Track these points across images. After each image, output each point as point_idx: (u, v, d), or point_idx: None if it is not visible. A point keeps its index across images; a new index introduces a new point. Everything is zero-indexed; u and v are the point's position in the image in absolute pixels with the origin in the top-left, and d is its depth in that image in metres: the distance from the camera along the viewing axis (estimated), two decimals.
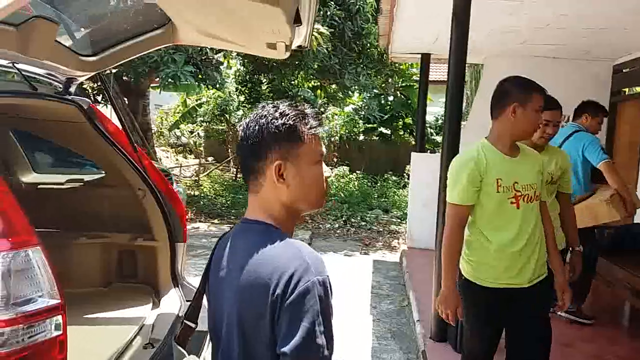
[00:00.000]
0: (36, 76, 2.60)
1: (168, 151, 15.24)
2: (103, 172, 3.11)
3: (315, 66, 9.06)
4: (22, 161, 3.12)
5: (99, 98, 11.43)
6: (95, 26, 2.83)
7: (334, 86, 10.53)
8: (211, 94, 13.70)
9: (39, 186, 3.11)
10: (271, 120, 1.23)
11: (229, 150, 13.35)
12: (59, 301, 1.61)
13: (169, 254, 3.03)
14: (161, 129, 15.64)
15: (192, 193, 10.73)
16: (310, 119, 1.25)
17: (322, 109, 14.59)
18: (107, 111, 10.70)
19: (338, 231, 8.85)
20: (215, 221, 8.81)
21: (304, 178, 1.24)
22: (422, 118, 7.22)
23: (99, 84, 11.20)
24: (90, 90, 11.60)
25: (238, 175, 12.61)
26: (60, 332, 1.61)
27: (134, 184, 2.94)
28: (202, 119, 13.23)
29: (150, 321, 2.71)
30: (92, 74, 2.82)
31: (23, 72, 2.32)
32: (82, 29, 2.86)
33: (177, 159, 14.25)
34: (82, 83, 10.28)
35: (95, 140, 2.83)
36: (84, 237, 3.04)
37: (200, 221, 8.75)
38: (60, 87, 2.70)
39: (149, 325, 2.68)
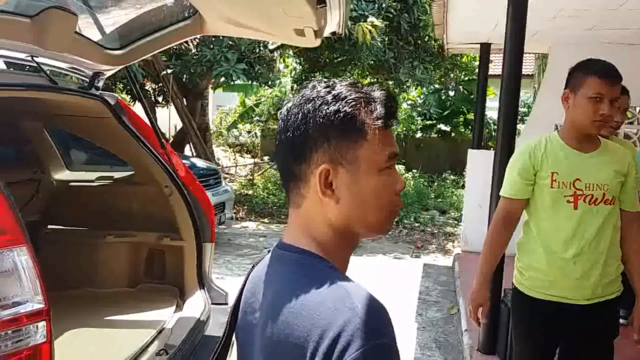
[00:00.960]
0: (61, 70, 2.57)
1: (227, 150, 15.45)
2: (132, 169, 3.05)
3: (370, 61, 8.82)
4: (55, 158, 3.13)
5: (160, 99, 11.76)
6: (122, 19, 2.77)
7: (390, 82, 10.23)
8: (268, 93, 13.77)
9: (70, 184, 3.11)
10: (320, 105, 0.89)
11: None
12: (44, 306, 1.51)
13: (196, 255, 2.93)
14: (220, 128, 15.89)
15: (245, 192, 10.78)
16: (378, 105, 0.91)
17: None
18: (167, 112, 10.96)
19: (390, 232, 8.57)
20: (265, 220, 8.77)
21: (362, 191, 0.90)
22: (481, 112, 6.89)
23: (160, 84, 11.53)
24: (151, 91, 11.95)
25: None
26: (45, 339, 1.51)
27: (161, 181, 2.86)
28: (258, 118, 13.30)
29: (170, 325, 2.62)
30: (119, 67, 2.76)
31: (41, 65, 2.27)
32: (111, 23, 2.81)
33: (234, 159, 14.43)
34: (142, 83, 10.56)
35: (121, 136, 2.77)
36: (112, 236, 3.00)
37: (250, 220, 8.74)
38: (86, 82, 2.65)
39: (168, 329, 2.59)
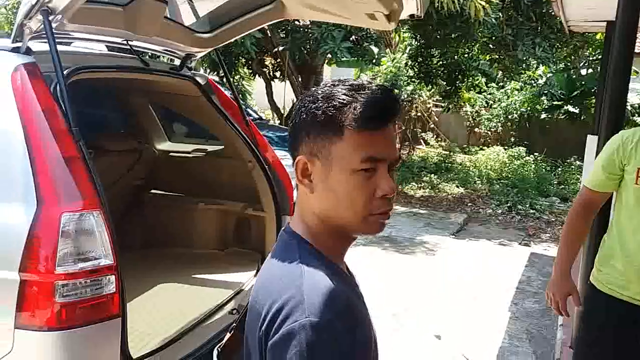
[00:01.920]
0: (158, 53, 2.83)
1: None
2: (222, 144, 3.29)
3: (484, 38, 8.37)
4: (158, 130, 3.46)
5: (277, 74, 12.22)
6: (213, 4, 2.96)
7: (507, 61, 9.63)
8: (383, 69, 13.64)
9: (170, 154, 3.43)
10: (311, 102, 0.96)
11: (396, 127, 13.21)
12: (113, 262, 1.74)
13: (276, 225, 3.11)
14: None
15: None
16: (361, 106, 0.93)
17: (499, 84, 13.58)
18: (284, 86, 11.38)
19: (500, 217, 8.19)
20: None
21: (333, 187, 0.95)
22: (602, 94, 6.23)
23: (278, 60, 11.98)
24: (270, 67, 12.46)
25: (401, 152, 12.44)
26: (114, 290, 1.74)
27: (245, 156, 3.05)
28: None
29: (247, 287, 2.83)
30: (209, 49, 2.97)
31: (135, 49, 2.54)
32: (204, 8, 3.01)
33: None
34: (261, 60, 10.98)
35: (211, 114, 2.99)
36: (203, 203, 3.28)
37: None
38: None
39: (245, 291, 2.80)
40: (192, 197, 3.32)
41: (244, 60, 12.06)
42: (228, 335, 1.18)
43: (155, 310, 2.47)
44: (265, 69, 12.24)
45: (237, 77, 12.49)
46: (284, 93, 11.39)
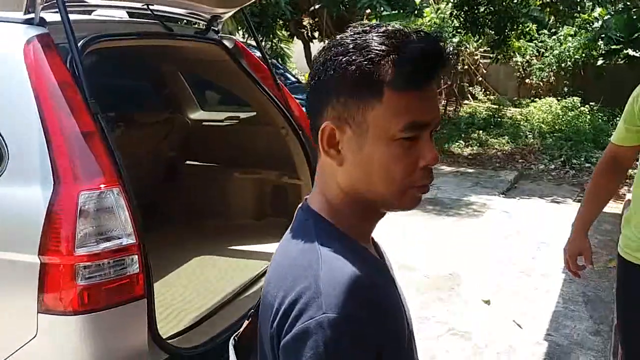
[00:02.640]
0: (181, 17, 2.70)
1: None
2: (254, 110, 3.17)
3: None
4: (190, 99, 3.37)
5: (316, 34, 11.90)
6: None
7: (560, 3, 8.96)
8: (427, 21, 13.07)
9: (203, 123, 3.34)
10: (339, 53, 0.78)
11: (442, 81, 12.71)
12: (135, 242, 1.67)
13: None
14: None
15: None
16: (408, 61, 0.75)
17: (551, 30, 12.77)
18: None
19: (553, 173, 7.79)
20: None
21: (368, 159, 0.80)
22: None
23: (316, 19, 11.64)
24: (308, 27, 12.14)
25: (447, 108, 12.01)
26: (138, 270, 1.68)
27: (278, 122, 2.92)
28: None
29: None
30: (235, 10, 2.81)
31: (157, 13, 2.41)
32: None
33: None
34: (298, 20, 10.74)
35: (241, 79, 2.86)
36: (238, 172, 3.19)
37: None
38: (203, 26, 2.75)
39: None
40: (227, 167, 3.24)
41: (281, 21, 11.80)
42: (246, 322, 1.04)
43: (190, 285, 2.43)
44: (303, 30, 11.94)
45: (275, 39, 12.26)
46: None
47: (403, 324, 0.85)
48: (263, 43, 12.39)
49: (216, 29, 2.83)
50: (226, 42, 2.82)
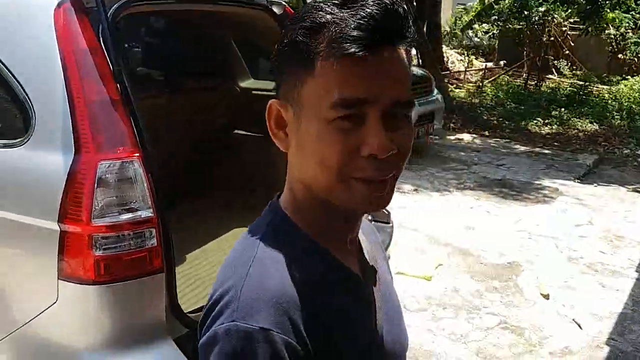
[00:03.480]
0: None
1: (463, 53, 14.55)
2: None
3: None
4: (240, 66, 3.28)
5: None
6: None
7: None
8: None
9: (252, 91, 3.26)
10: (291, 22, 0.71)
11: (524, 53, 11.93)
12: (153, 215, 1.63)
13: None
14: (455, 29, 14.92)
15: (471, 100, 10.11)
16: (346, 25, 0.65)
17: None
18: None
19: (639, 159, 7.13)
20: (485, 133, 8.11)
21: (304, 142, 0.70)
22: None
23: None
24: None
25: (529, 83, 11.28)
26: (155, 244, 1.64)
27: None
28: (496, 17, 12.01)
29: None
30: None
31: None
32: None
33: (470, 62, 13.52)
34: None
35: None
36: None
37: (467, 131, 8.18)
38: None
39: None
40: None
41: None
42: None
43: (219, 259, 2.38)
44: None
45: None
46: None
47: (353, 343, 0.74)
48: None
49: None
50: (274, 8, 2.69)
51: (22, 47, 1.76)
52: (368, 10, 0.65)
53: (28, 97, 1.68)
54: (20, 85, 1.69)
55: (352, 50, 0.64)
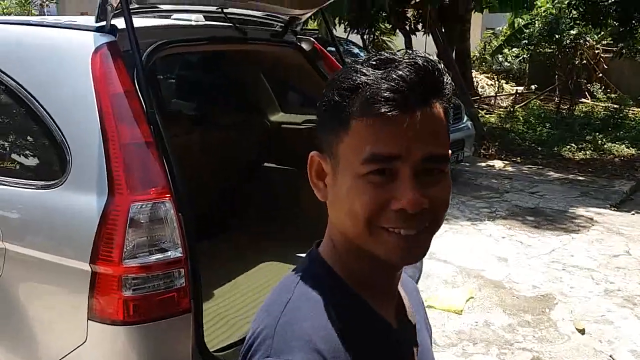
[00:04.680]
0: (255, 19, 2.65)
1: (493, 78, 14.44)
2: None
3: None
4: (271, 101, 3.34)
5: (420, 26, 11.53)
6: None
7: None
8: (542, 11, 12.16)
9: (282, 125, 3.30)
10: (331, 79, 0.76)
11: (556, 77, 11.76)
12: (182, 255, 1.65)
13: None
14: (484, 54, 14.84)
15: (502, 125, 9.99)
16: (379, 88, 0.69)
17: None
18: (424, 40, 10.70)
19: None
20: (517, 160, 7.97)
21: (339, 194, 0.74)
22: None
23: (420, 11, 11.27)
24: (412, 20, 11.79)
25: (561, 107, 11.10)
26: (184, 284, 1.66)
27: None
28: (526, 41, 11.91)
29: None
30: (313, 11, 2.72)
31: (230, 16, 2.38)
32: None
33: (500, 87, 13.41)
34: (401, 12, 10.48)
35: (317, 82, 2.77)
36: None
37: (499, 158, 8.06)
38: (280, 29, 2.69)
39: None
40: (303, 171, 3.17)
41: (384, 14, 11.56)
42: None
43: (248, 296, 2.39)
44: (406, 22, 11.62)
45: (377, 32, 12.05)
46: (425, 47, 10.71)
47: None
48: (365, 36, 12.28)
49: (295, 30, 2.76)
50: (304, 45, 2.74)
51: (60, 91, 1.83)
52: (399, 72, 0.69)
53: (65, 140, 1.74)
54: (58, 128, 1.76)
55: (383, 110, 0.68)
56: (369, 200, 0.70)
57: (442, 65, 0.74)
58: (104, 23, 1.89)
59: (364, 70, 0.71)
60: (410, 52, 0.74)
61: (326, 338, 0.70)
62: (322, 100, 0.76)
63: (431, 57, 0.74)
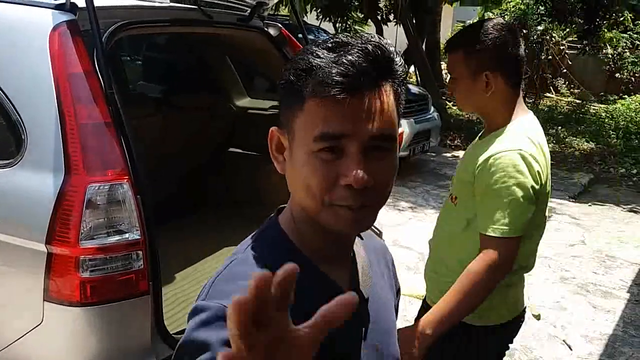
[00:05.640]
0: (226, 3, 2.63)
1: None
2: None
3: None
4: (237, 86, 3.32)
5: (392, 17, 11.59)
6: None
7: None
8: (511, 6, 12.38)
9: (248, 110, 3.29)
10: (289, 62, 0.81)
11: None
12: (141, 237, 1.65)
13: None
14: None
15: (469, 117, 10.16)
16: (331, 68, 0.73)
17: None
18: (396, 30, 10.76)
19: (634, 179, 7.17)
20: None
21: (294, 168, 0.79)
22: None
23: (392, 1, 11.32)
24: (384, 9, 11.84)
25: (526, 100, 11.33)
26: (142, 266, 1.66)
27: None
28: None
29: None
30: None
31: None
32: None
33: None
34: (374, 2, 10.47)
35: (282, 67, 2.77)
36: None
37: (464, 149, 8.18)
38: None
39: None
40: (268, 156, 3.18)
41: (357, 2, 11.58)
42: None
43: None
44: (379, 12, 11.66)
45: (349, 21, 12.06)
46: (396, 37, 10.78)
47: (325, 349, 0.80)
48: (337, 25, 12.26)
49: (263, 15, 2.75)
50: (271, 30, 2.73)
51: (16, 69, 1.79)
52: (349, 57, 0.73)
53: (20, 119, 1.70)
54: (14, 107, 1.72)
55: (333, 93, 0.73)
56: (321, 178, 0.75)
57: (394, 48, 0.78)
58: (63, 0, 1.85)
59: (319, 53, 0.75)
60: (365, 35, 0.78)
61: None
62: (281, 79, 0.80)
63: (384, 41, 0.77)
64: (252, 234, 0.87)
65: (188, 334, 0.72)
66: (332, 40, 0.77)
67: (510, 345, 1.80)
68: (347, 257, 0.88)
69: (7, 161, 1.72)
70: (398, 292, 1.04)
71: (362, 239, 0.94)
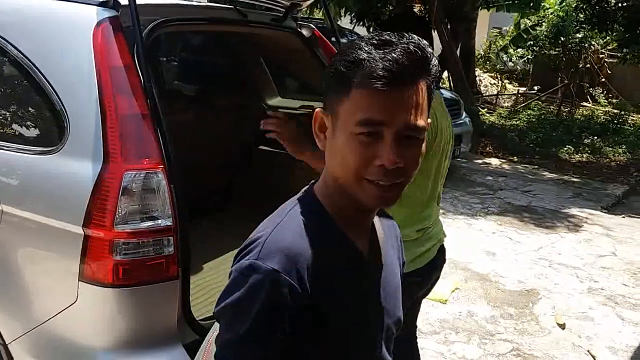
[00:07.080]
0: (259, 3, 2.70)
1: (496, 77, 14.46)
2: None
3: None
4: (269, 85, 3.39)
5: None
6: None
7: None
8: (549, 13, 12.18)
9: (278, 109, 3.35)
10: (337, 52, 0.96)
11: (559, 79, 11.78)
12: (173, 224, 1.72)
13: None
14: (489, 53, 14.85)
15: (502, 124, 10.05)
16: (375, 65, 0.85)
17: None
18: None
19: None
20: (514, 159, 8.03)
21: (336, 147, 0.92)
22: None
23: (427, 6, 11.27)
24: (418, 14, 11.79)
25: (562, 109, 11.13)
26: (173, 252, 1.73)
27: None
28: (532, 42, 11.94)
29: None
30: None
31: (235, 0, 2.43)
32: None
33: (502, 86, 13.43)
34: (410, 5, 10.47)
35: (315, 68, 2.83)
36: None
37: (496, 156, 8.13)
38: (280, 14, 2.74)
39: None
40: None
41: (391, 7, 11.57)
42: None
43: None
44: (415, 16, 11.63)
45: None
46: (432, 43, 10.72)
47: (348, 304, 0.95)
48: (371, 28, 12.28)
49: (295, 16, 2.81)
50: (304, 31, 2.79)
51: (62, 61, 1.89)
52: (394, 55, 0.86)
53: (64, 108, 1.80)
54: (58, 97, 1.82)
55: (377, 85, 0.85)
56: (359, 156, 0.88)
57: (431, 49, 0.90)
58: None
59: (367, 48, 0.88)
60: (406, 35, 0.90)
61: (303, 254, 0.88)
62: (330, 68, 0.93)
63: (423, 42, 0.89)
64: (289, 201, 1.00)
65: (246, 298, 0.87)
66: (378, 38, 0.89)
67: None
68: (368, 227, 1.02)
69: (50, 148, 1.82)
70: (403, 264, 1.16)
71: (379, 216, 1.07)
